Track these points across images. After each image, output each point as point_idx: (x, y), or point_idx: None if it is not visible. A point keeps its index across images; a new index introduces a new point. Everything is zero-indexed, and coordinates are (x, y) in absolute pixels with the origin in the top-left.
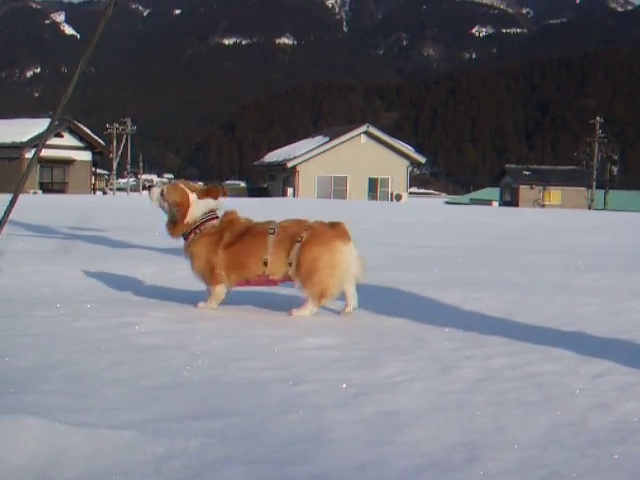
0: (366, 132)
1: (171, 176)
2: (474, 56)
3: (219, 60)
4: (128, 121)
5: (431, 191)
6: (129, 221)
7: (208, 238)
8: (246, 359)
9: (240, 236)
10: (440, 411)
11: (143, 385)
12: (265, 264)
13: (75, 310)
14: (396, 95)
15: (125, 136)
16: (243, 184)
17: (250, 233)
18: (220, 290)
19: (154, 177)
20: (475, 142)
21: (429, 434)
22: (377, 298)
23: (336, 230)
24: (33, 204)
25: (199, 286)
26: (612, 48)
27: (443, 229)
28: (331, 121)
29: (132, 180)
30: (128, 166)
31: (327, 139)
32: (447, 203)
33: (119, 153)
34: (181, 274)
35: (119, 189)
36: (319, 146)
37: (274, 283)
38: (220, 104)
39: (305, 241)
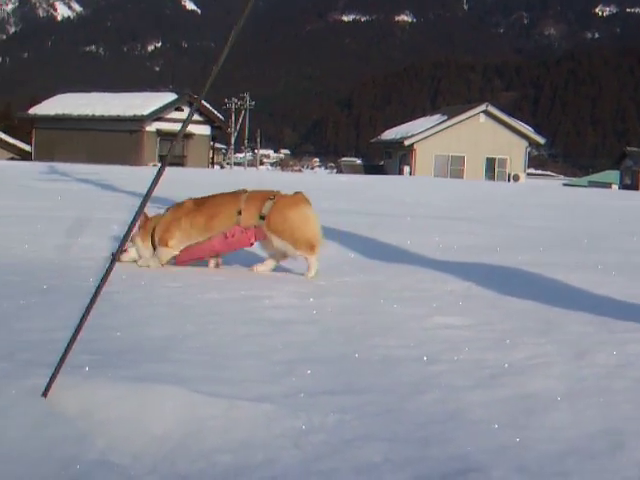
0: (485, 111)
1: (287, 152)
2: (596, 36)
3: (338, 36)
4: (247, 96)
5: (548, 173)
6: None
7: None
8: (379, 336)
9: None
10: (578, 396)
11: (277, 359)
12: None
13: (203, 282)
14: (515, 74)
15: (243, 111)
16: (359, 161)
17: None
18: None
19: (270, 152)
20: (595, 124)
21: (568, 419)
22: (506, 279)
23: (299, 196)
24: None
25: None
26: None
27: (564, 211)
28: (449, 99)
29: (249, 155)
30: (245, 141)
31: (445, 117)
32: (565, 185)
33: (237, 128)
34: None
35: (236, 163)
36: (437, 124)
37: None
38: (338, 81)
39: (277, 201)
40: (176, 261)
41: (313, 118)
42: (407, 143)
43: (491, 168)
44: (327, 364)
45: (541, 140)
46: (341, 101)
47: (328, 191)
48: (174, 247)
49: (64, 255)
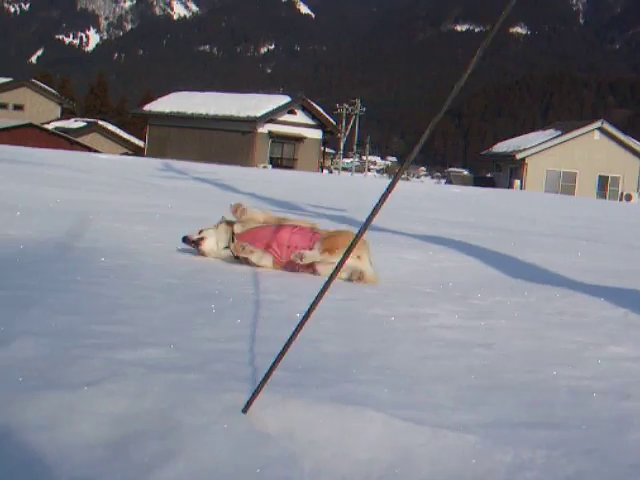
0: (600, 128)
1: (394, 159)
2: None
3: (450, 46)
4: (358, 102)
5: None
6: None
7: None
8: (558, 364)
9: None
10: None
11: (463, 383)
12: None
13: (365, 295)
14: (629, 91)
15: (354, 117)
16: (466, 172)
17: None
18: None
19: (377, 159)
20: None
21: None
22: None
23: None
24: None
25: (462, 278)
26: None
27: None
28: (560, 114)
29: (357, 160)
30: (354, 146)
31: (559, 133)
32: None
33: (346, 133)
34: (448, 264)
35: (344, 169)
36: (550, 139)
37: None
38: (449, 90)
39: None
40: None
41: (422, 127)
42: (519, 157)
43: (603, 186)
44: (515, 392)
45: None
46: (451, 111)
47: (444, 201)
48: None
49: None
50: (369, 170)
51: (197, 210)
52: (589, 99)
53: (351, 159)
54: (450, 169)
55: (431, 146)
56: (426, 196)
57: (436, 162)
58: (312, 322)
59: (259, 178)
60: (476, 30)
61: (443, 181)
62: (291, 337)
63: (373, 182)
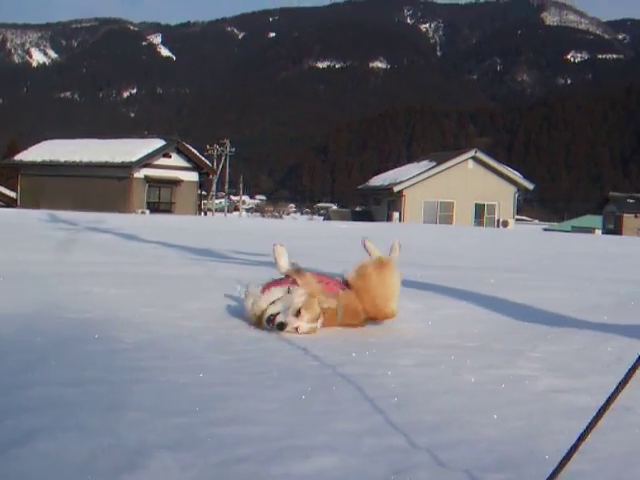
0: (474, 157)
1: (263, 197)
2: (569, 82)
3: (312, 83)
4: (227, 142)
5: (524, 217)
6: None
7: None
8: None
9: None
10: None
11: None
12: None
13: (434, 359)
14: (489, 120)
15: (224, 157)
16: (335, 207)
17: None
18: None
19: (246, 198)
20: (569, 169)
21: None
22: None
23: None
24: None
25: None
26: None
27: (607, 262)
28: (424, 145)
29: (224, 201)
30: (226, 187)
31: (434, 164)
32: (546, 230)
33: (217, 174)
34: (451, 311)
35: (216, 210)
36: (426, 170)
37: None
38: (313, 127)
39: None
40: None
41: (289, 164)
42: (396, 189)
43: (480, 214)
44: None
45: (530, 186)
46: (317, 147)
47: (341, 238)
48: None
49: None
50: (237, 209)
51: (144, 266)
52: (450, 129)
53: (220, 200)
54: (319, 204)
55: (299, 182)
56: (318, 235)
57: (304, 198)
58: (484, 396)
59: (155, 224)
60: (337, 66)
61: (314, 217)
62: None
63: (250, 222)
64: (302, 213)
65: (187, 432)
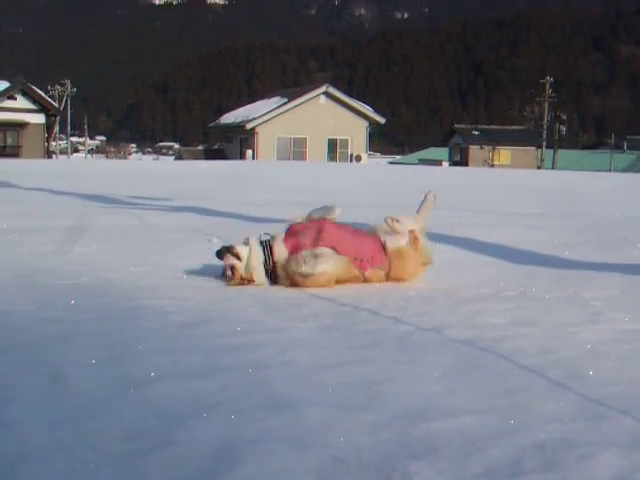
0: (325, 92)
1: (103, 138)
2: (406, 16)
3: (150, 20)
4: (68, 83)
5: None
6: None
7: None
8: None
9: None
10: None
11: None
12: None
13: (531, 313)
14: (329, 55)
15: (65, 98)
16: (177, 145)
17: None
18: None
19: (84, 139)
20: (409, 103)
21: None
22: None
23: None
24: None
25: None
26: (543, 8)
27: (500, 193)
28: (264, 82)
29: (63, 143)
30: (68, 128)
31: (285, 100)
32: (391, 163)
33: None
34: (451, 256)
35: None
36: (278, 107)
37: None
38: (152, 65)
39: None
40: None
41: (128, 103)
42: (249, 127)
43: (333, 149)
44: None
45: (381, 120)
46: (156, 85)
47: (228, 178)
48: None
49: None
50: (77, 151)
51: (64, 218)
52: (291, 65)
53: (62, 141)
54: (161, 144)
55: (140, 122)
56: (197, 175)
57: (145, 138)
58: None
59: (11, 169)
60: (174, 2)
61: (159, 157)
62: None
63: (98, 164)
64: (144, 153)
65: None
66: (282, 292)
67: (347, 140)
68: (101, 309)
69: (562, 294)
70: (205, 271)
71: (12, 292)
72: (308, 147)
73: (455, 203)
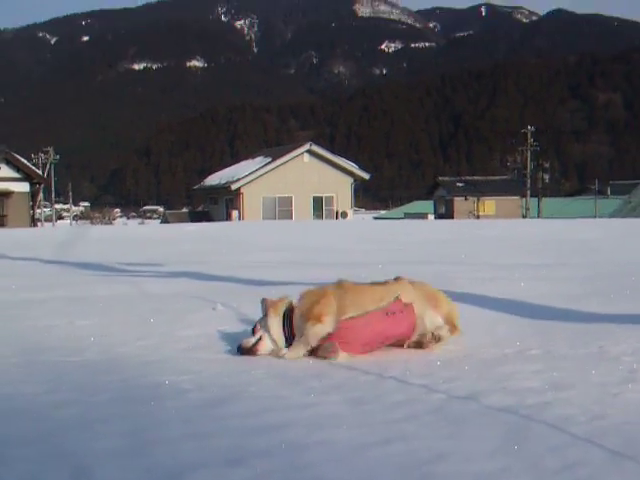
0: (309, 150)
1: (87, 204)
2: (384, 71)
3: (130, 85)
4: (51, 150)
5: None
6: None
7: None
8: None
9: None
10: None
11: None
12: None
13: (566, 374)
14: (310, 114)
15: (49, 165)
16: (161, 209)
17: None
18: None
19: (69, 206)
20: (391, 157)
21: None
22: None
23: None
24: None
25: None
26: (520, 58)
27: (493, 244)
28: (247, 142)
29: (48, 210)
30: (52, 196)
31: (269, 159)
32: (376, 218)
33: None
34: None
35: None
36: (262, 167)
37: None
38: (133, 129)
39: None
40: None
41: (111, 168)
42: (234, 187)
43: (319, 207)
44: None
45: (366, 175)
46: (139, 149)
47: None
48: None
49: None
50: (61, 218)
51: (61, 289)
52: (272, 124)
53: (45, 209)
54: (145, 207)
55: (123, 186)
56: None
57: (129, 202)
58: None
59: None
60: (154, 67)
61: (145, 221)
62: None
63: (109, 230)
64: (128, 217)
65: None
66: (299, 362)
67: (332, 197)
68: (115, 389)
69: (587, 350)
70: (213, 341)
71: (18, 372)
72: (294, 205)
73: (450, 257)
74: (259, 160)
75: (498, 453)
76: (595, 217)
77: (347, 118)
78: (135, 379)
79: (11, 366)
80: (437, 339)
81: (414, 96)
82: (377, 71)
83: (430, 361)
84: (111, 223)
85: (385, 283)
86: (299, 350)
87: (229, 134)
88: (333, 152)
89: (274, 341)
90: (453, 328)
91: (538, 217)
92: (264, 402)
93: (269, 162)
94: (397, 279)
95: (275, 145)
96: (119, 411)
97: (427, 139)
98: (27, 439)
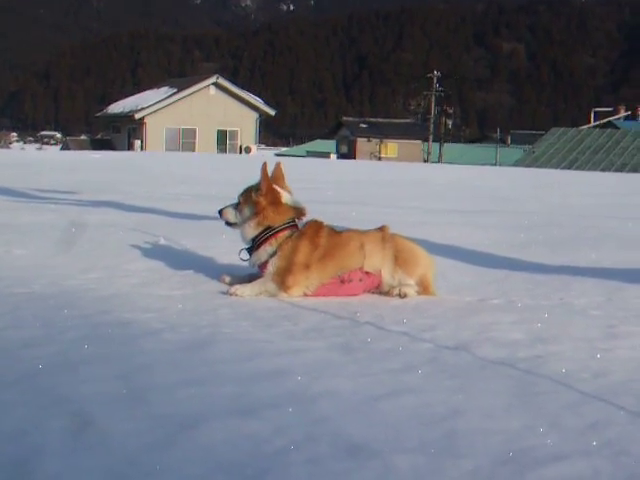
0: (215, 83)
1: None
2: (292, 8)
3: (32, 6)
4: None
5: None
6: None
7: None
8: None
9: None
10: None
11: None
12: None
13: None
14: (215, 46)
15: None
16: (59, 134)
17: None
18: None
19: None
20: (294, 94)
21: None
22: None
23: None
24: None
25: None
26: (427, 3)
27: (409, 189)
28: (150, 71)
29: None
30: None
31: (175, 90)
32: (277, 155)
33: None
34: None
35: None
36: (167, 97)
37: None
38: (34, 52)
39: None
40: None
41: (9, 91)
42: (137, 116)
43: (223, 140)
44: None
45: (271, 111)
46: (38, 73)
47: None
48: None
49: None
50: None
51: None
52: (176, 54)
53: None
54: (43, 132)
55: (21, 110)
56: (93, 166)
57: (27, 126)
58: None
59: None
60: None
61: (43, 146)
62: None
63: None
64: (25, 142)
65: None
66: (259, 303)
67: (237, 131)
68: (81, 326)
69: (549, 302)
70: (165, 276)
71: None
72: (197, 138)
73: (372, 199)
74: (164, 90)
75: (514, 409)
76: (496, 165)
77: (252, 52)
78: (98, 315)
79: None
80: (402, 295)
81: (320, 34)
82: (284, 7)
83: (397, 307)
84: (8, 147)
85: (366, 234)
86: (254, 290)
87: (132, 62)
88: (238, 86)
89: None
90: (425, 290)
91: (439, 162)
92: (248, 346)
93: (174, 93)
94: (382, 228)
95: (178, 76)
96: (98, 351)
97: (331, 78)
98: (11, 381)
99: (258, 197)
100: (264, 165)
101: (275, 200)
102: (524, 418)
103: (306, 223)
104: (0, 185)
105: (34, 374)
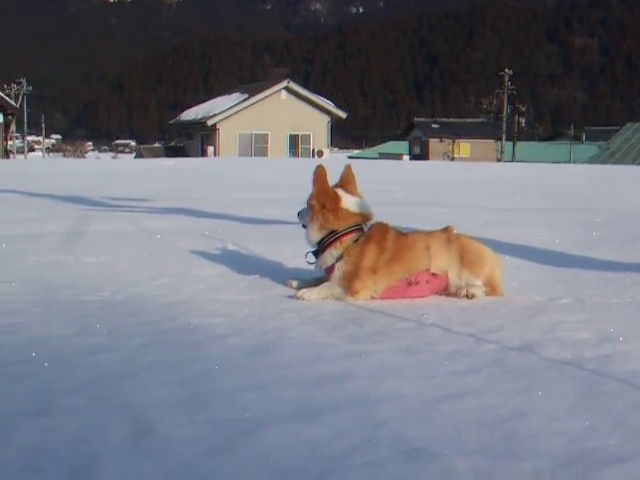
0: (286, 88)
1: (58, 137)
2: (361, 10)
3: (103, 17)
4: (24, 81)
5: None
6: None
7: None
8: None
9: None
10: None
11: None
12: None
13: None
14: (285, 50)
15: (21, 96)
16: (133, 143)
17: None
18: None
19: (40, 138)
20: (365, 96)
21: None
22: None
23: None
24: None
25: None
26: (497, 1)
27: (481, 188)
28: (221, 77)
29: (19, 142)
30: (24, 127)
31: (246, 95)
32: (350, 158)
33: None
34: None
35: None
36: (239, 103)
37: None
38: (107, 62)
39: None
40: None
41: (83, 101)
42: (210, 123)
43: (295, 145)
44: None
45: (342, 114)
46: (111, 83)
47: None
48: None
49: None
50: (32, 150)
51: (58, 222)
52: (246, 61)
53: (17, 140)
54: (117, 141)
55: (95, 120)
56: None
57: (101, 136)
58: None
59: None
60: (128, 0)
61: (117, 155)
62: None
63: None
64: (100, 151)
65: None
66: (327, 306)
67: (309, 135)
68: (146, 333)
69: (620, 300)
70: (232, 281)
71: (39, 313)
72: (270, 143)
73: (444, 199)
74: (236, 96)
75: (578, 410)
76: (570, 162)
77: (323, 56)
78: (164, 322)
79: (28, 307)
80: (470, 296)
81: (390, 36)
82: (354, 9)
83: (464, 308)
84: (83, 156)
85: (431, 235)
86: (321, 294)
87: (203, 69)
88: (309, 90)
89: None
90: (492, 290)
91: (512, 161)
92: (313, 350)
93: (246, 98)
94: (447, 229)
95: (249, 81)
96: (162, 358)
97: (402, 79)
98: (73, 388)
99: (311, 201)
100: (317, 168)
101: (334, 204)
102: (588, 419)
103: (372, 226)
104: (75, 194)
105: (96, 381)
